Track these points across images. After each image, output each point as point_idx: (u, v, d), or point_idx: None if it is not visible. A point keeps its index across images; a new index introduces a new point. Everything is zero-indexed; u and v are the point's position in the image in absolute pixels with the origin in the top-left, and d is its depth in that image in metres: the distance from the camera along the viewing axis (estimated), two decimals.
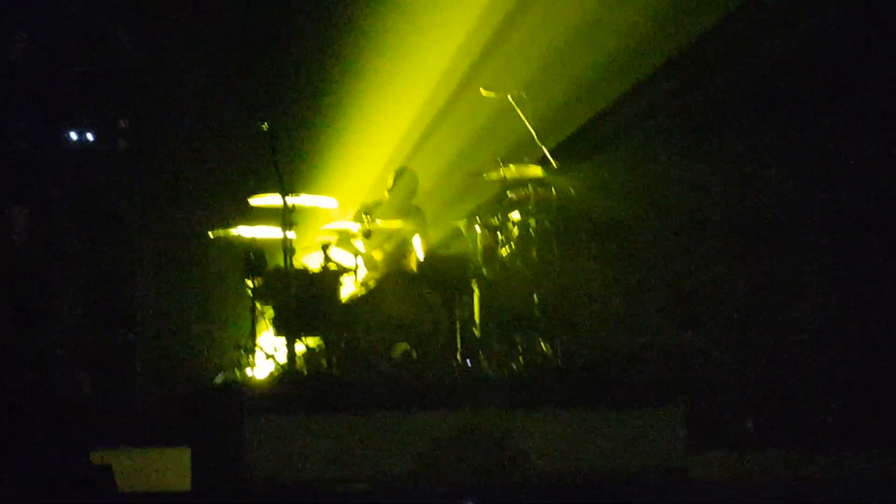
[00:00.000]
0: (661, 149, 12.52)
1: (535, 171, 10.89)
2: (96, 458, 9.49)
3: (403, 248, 11.27)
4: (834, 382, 12.05)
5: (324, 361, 10.24)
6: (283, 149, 10.40)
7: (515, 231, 10.80)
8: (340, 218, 11.14)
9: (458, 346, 10.38)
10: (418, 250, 11.30)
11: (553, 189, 10.92)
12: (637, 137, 12.48)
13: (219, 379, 10.43)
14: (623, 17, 12.37)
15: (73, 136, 12.50)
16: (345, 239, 10.81)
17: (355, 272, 10.68)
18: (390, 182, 11.43)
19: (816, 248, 12.40)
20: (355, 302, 10.39)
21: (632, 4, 12.33)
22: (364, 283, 10.75)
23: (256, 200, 10.62)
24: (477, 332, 10.51)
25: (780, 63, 12.42)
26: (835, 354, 12.16)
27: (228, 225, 10.75)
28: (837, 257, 12.35)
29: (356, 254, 10.86)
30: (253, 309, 10.39)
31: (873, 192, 12.38)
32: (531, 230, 10.79)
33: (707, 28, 12.32)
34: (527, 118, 11.09)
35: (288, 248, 10.12)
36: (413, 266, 11.01)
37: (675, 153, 12.53)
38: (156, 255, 12.26)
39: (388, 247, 11.19)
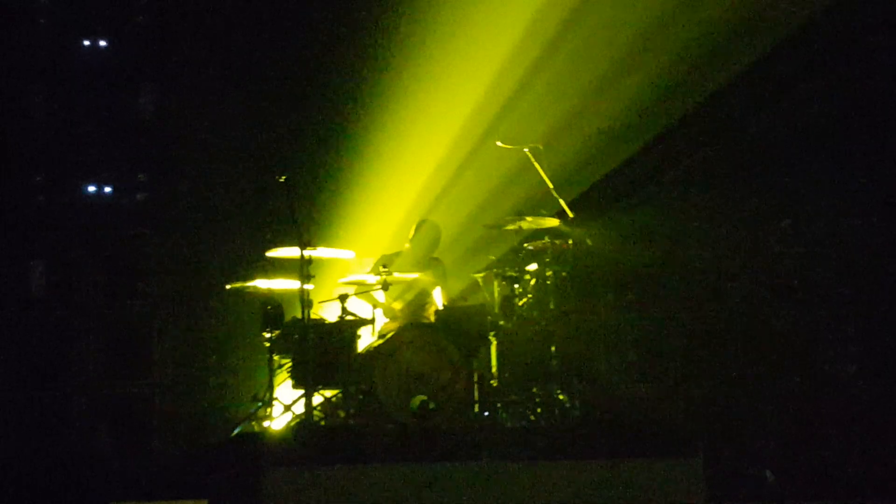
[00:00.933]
0: (678, 200, 12.53)
1: (552, 222, 10.94)
2: None
3: (422, 299, 11.29)
4: (858, 434, 11.98)
5: (341, 413, 10.24)
6: (300, 200, 10.44)
7: (533, 282, 10.81)
8: (358, 269, 11.18)
9: (476, 397, 10.38)
10: (438, 302, 11.32)
11: (570, 240, 10.94)
12: (654, 188, 12.49)
13: (236, 431, 10.42)
14: (638, 74, 12.42)
15: (92, 189, 12.55)
16: (363, 290, 10.83)
17: (373, 323, 10.69)
18: (412, 233, 11.46)
19: (840, 299, 12.37)
20: (373, 353, 10.38)
21: (652, 56, 12.38)
22: (382, 335, 10.75)
23: (274, 252, 10.65)
24: (495, 384, 10.50)
25: (795, 116, 12.45)
26: (859, 405, 12.10)
27: (246, 277, 10.79)
28: (862, 307, 12.31)
29: (374, 305, 10.88)
30: (270, 361, 10.41)
31: None
32: (548, 281, 10.80)
33: (724, 84, 12.37)
34: (543, 170, 11.13)
35: (305, 300, 10.14)
36: (432, 317, 11.02)
37: (693, 204, 12.54)
38: (173, 308, 12.28)
39: (408, 297, 11.21)
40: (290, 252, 10.40)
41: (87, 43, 12.76)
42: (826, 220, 12.47)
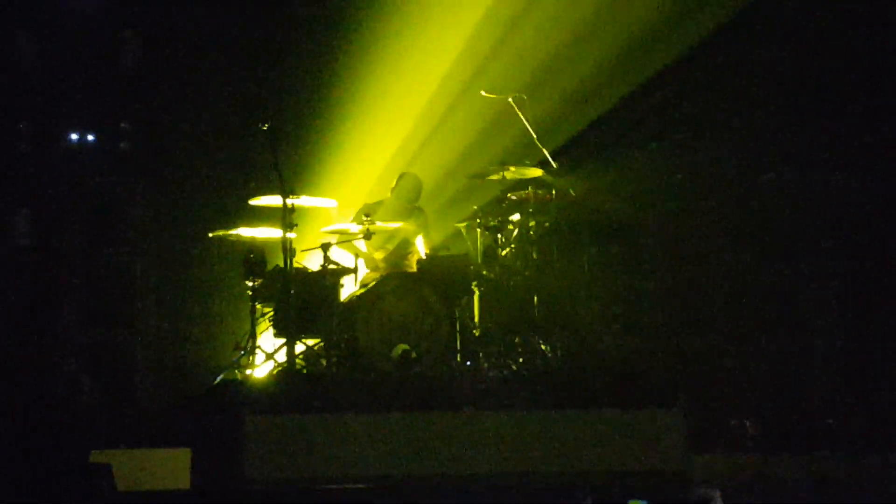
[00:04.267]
0: (662, 150, 12.51)
1: (535, 172, 10.93)
2: (96, 457, 9.49)
3: (405, 248, 11.31)
4: (838, 385, 12.03)
5: (323, 361, 10.28)
6: (283, 149, 10.44)
7: (515, 232, 10.82)
8: (341, 219, 11.17)
9: (459, 346, 10.41)
10: (421, 251, 11.33)
11: (553, 191, 10.94)
12: (638, 139, 12.47)
13: (219, 379, 10.44)
14: (622, 22, 12.36)
15: (75, 137, 12.50)
16: (345, 240, 10.83)
17: (355, 272, 10.71)
18: (394, 183, 11.46)
19: (821, 251, 12.38)
20: (355, 302, 10.40)
21: (630, 10, 12.32)
22: (364, 284, 10.77)
23: (257, 201, 10.64)
24: (477, 333, 10.53)
25: (775, 66, 12.42)
26: (839, 357, 12.14)
27: (229, 225, 10.78)
28: (843, 260, 12.32)
29: (357, 254, 10.89)
30: (252, 309, 10.43)
31: (880, 195, 12.37)
32: (531, 232, 10.82)
33: (704, 33, 12.32)
34: (527, 120, 11.12)
35: (288, 249, 10.13)
36: (414, 267, 11.04)
37: (677, 155, 12.52)
38: (157, 256, 12.24)
39: (390, 247, 11.23)
40: (272, 200, 10.40)
41: None
42: (809, 174, 12.47)
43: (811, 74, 12.42)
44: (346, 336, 10.25)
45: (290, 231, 10.18)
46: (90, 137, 12.52)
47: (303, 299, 10.26)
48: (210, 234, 10.95)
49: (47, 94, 12.49)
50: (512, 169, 10.83)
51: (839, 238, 12.32)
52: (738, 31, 12.29)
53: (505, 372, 10.27)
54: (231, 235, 10.66)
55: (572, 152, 11.91)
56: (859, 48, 12.28)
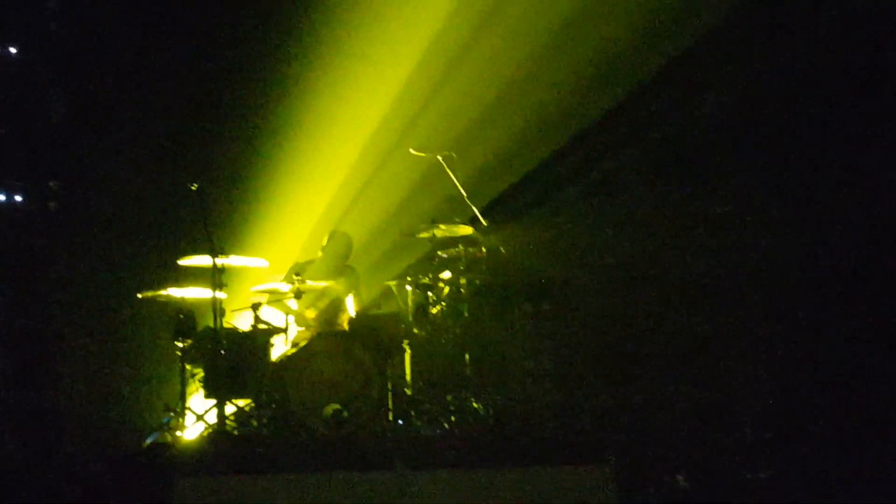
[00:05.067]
0: (593, 206, 12.60)
1: (466, 230, 10.95)
2: None
3: (336, 307, 11.29)
4: (769, 440, 12.10)
5: (254, 422, 10.21)
6: (212, 209, 10.41)
7: (446, 290, 10.83)
8: (271, 278, 11.14)
9: (391, 405, 10.38)
10: (351, 309, 11.31)
11: (483, 248, 10.97)
12: (568, 195, 12.54)
13: (148, 441, 10.35)
14: (549, 80, 12.47)
15: (1, 197, 12.40)
16: (276, 299, 10.80)
17: (286, 332, 10.67)
18: (324, 242, 11.45)
19: (752, 306, 12.48)
20: (286, 362, 10.36)
21: (557, 69, 12.44)
22: (295, 343, 10.73)
23: (186, 261, 10.59)
24: (409, 391, 10.51)
25: (704, 122, 12.57)
26: (771, 412, 12.22)
27: (158, 286, 10.72)
28: (774, 315, 12.44)
29: (287, 313, 10.86)
30: (182, 370, 10.36)
31: (808, 247, 12.51)
32: (462, 289, 10.83)
33: (628, 91, 12.45)
34: (456, 178, 11.16)
35: (218, 309, 10.10)
36: (345, 325, 11.02)
37: (605, 211, 12.61)
38: (84, 317, 12.15)
39: (321, 305, 11.20)
40: (202, 260, 10.36)
41: None
42: (738, 229, 12.59)
43: (739, 128, 12.57)
44: (276, 396, 10.19)
45: (220, 291, 10.16)
46: (17, 198, 12.43)
47: (233, 360, 10.21)
48: (139, 295, 10.88)
49: None
50: (442, 227, 10.85)
51: (770, 293, 12.43)
52: (669, 85, 12.42)
53: (437, 430, 10.26)
54: (160, 296, 10.59)
55: (502, 209, 11.96)
56: (796, 97, 12.45)
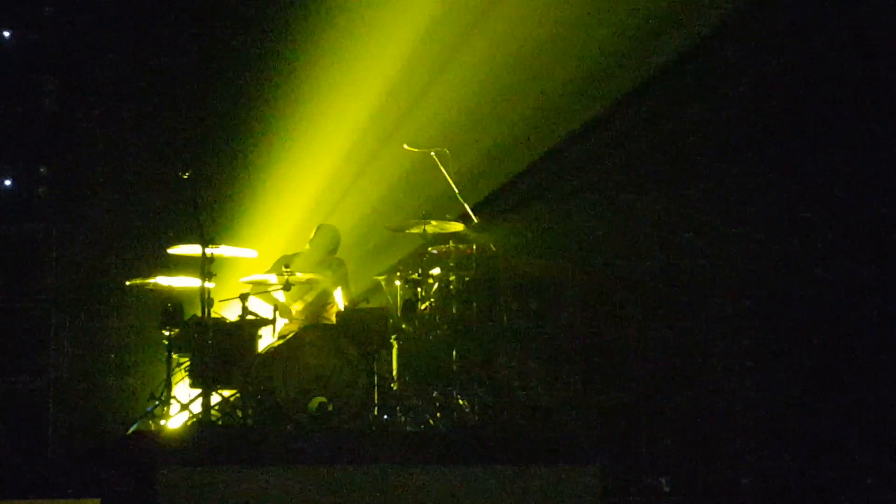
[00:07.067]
0: (583, 206, 12.61)
1: (456, 226, 10.96)
2: None
3: (323, 300, 11.27)
4: (753, 444, 12.12)
5: (239, 413, 10.18)
6: (203, 198, 10.37)
7: (435, 286, 10.82)
8: (260, 269, 11.13)
9: (376, 399, 10.36)
10: (339, 302, 11.30)
11: (474, 245, 10.97)
12: (559, 195, 12.55)
13: (132, 429, 10.32)
14: (543, 77, 12.47)
15: None
16: (264, 290, 10.77)
17: (273, 323, 10.64)
18: (312, 234, 11.43)
19: (739, 308, 12.50)
20: (273, 353, 10.33)
21: (552, 66, 12.44)
22: (282, 335, 10.71)
23: (175, 250, 10.57)
24: (395, 387, 10.49)
25: (698, 122, 12.58)
26: (755, 415, 12.24)
27: (146, 274, 10.70)
28: (761, 318, 12.46)
29: (275, 305, 10.83)
30: (169, 359, 10.33)
31: (798, 253, 12.54)
32: (451, 286, 10.82)
33: (624, 90, 12.47)
34: (449, 174, 11.15)
35: (206, 299, 10.08)
36: (332, 318, 11.00)
37: (598, 211, 12.62)
38: (72, 303, 12.10)
39: (309, 298, 11.19)
40: (191, 249, 10.35)
41: None
42: (727, 233, 12.61)
43: (733, 130, 12.59)
44: (262, 387, 10.17)
45: (209, 281, 10.14)
46: (7, 182, 12.39)
47: (220, 350, 10.18)
48: (127, 283, 10.86)
49: None
50: (433, 223, 10.85)
51: (758, 295, 12.45)
52: (659, 87, 12.44)
53: (422, 426, 10.25)
54: (148, 284, 10.58)
55: (493, 207, 11.97)
56: (784, 100, 12.48)
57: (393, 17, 12.37)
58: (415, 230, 10.91)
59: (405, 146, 11.40)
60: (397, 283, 10.89)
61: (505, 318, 11.08)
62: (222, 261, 10.53)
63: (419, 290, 10.77)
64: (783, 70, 12.44)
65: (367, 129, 12.44)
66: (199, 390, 10.16)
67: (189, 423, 10.12)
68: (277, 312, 10.77)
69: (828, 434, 12.01)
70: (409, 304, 10.69)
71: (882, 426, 11.95)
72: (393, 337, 10.57)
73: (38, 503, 9.93)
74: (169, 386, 10.28)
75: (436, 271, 10.87)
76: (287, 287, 10.62)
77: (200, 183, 10.36)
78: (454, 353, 10.70)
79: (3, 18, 12.55)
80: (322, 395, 10.10)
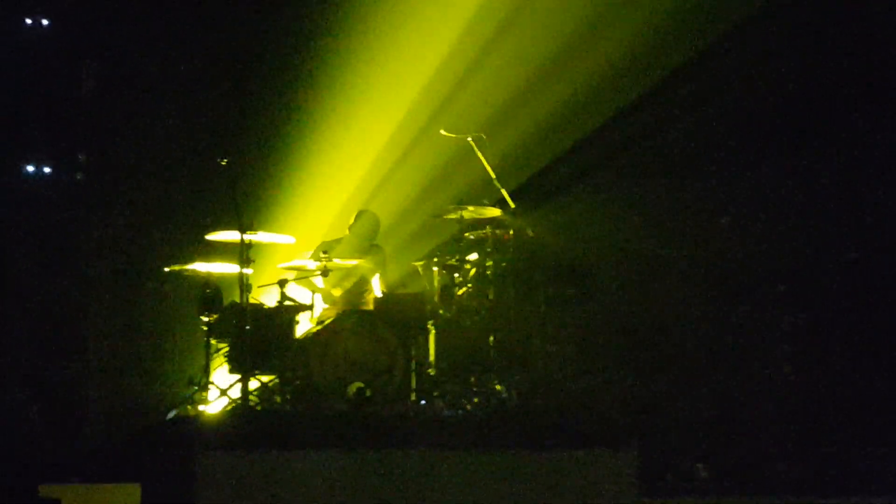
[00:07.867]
0: (619, 192, 12.59)
1: (493, 212, 10.95)
2: (45, 491, 9.41)
3: (362, 286, 11.29)
4: (790, 430, 12.10)
5: (278, 398, 10.23)
6: (242, 185, 10.41)
7: (472, 272, 10.82)
8: (298, 255, 11.16)
9: (413, 385, 10.38)
10: (377, 289, 11.32)
11: (511, 231, 10.97)
12: (596, 180, 12.54)
13: (171, 414, 10.37)
14: (582, 63, 12.45)
15: (31, 168, 12.44)
16: (303, 276, 10.81)
17: (311, 309, 10.68)
18: (352, 221, 11.46)
19: (776, 295, 12.47)
20: (311, 339, 10.36)
21: (590, 52, 12.41)
22: (320, 321, 10.74)
23: (213, 236, 10.61)
24: (432, 372, 10.51)
25: (734, 109, 12.54)
26: (791, 401, 12.22)
27: (185, 260, 10.74)
28: (797, 304, 12.42)
29: (313, 291, 10.86)
30: (207, 344, 10.37)
31: (836, 240, 12.50)
32: (488, 271, 10.82)
33: (663, 76, 12.43)
34: (486, 160, 11.15)
35: (244, 285, 10.11)
36: (370, 304, 11.02)
37: (635, 197, 12.60)
38: (110, 289, 12.18)
39: (347, 284, 11.21)
40: (229, 236, 10.38)
41: (29, 21, 12.63)
42: (765, 219, 12.57)
43: (767, 118, 12.54)
44: (300, 373, 10.19)
45: (247, 267, 10.16)
46: (46, 169, 12.47)
47: (258, 335, 10.20)
48: (166, 269, 10.91)
49: (3, 126, 12.43)
50: (470, 208, 10.84)
51: (794, 282, 12.41)
52: (698, 75, 12.40)
53: (459, 412, 10.26)
54: (187, 270, 10.61)
55: (531, 192, 11.96)
56: (815, 91, 12.43)
57: (433, 6, 12.37)
58: (452, 216, 10.91)
59: (442, 132, 11.40)
60: (434, 268, 10.88)
61: (542, 303, 11.07)
62: (260, 247, 10.55)
63: (456, 275, 10.76)
64: (824, 55, 12.39)
65: (406, 115, 12.44)
66: (237, 376, 10.20)
67: (228, 408, 10.16)
68: (317, 298, 10.80)
69: (865, 420, 11.98)
70: (447, 290, 10.70)
71: None
72: (430, 323, 10.58)
73: (77, 488, 10.01)
74: (208, 371, 10.32)
75: (473, 257, 10.87)
76: (325, 273, 10.64)
77: (239, 169, 10.38)
78: (491, 338, 10.70)
79: (42, 6, 12.62)
80: (359, 381, 10.12)
